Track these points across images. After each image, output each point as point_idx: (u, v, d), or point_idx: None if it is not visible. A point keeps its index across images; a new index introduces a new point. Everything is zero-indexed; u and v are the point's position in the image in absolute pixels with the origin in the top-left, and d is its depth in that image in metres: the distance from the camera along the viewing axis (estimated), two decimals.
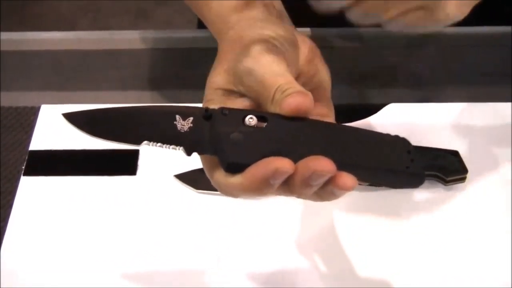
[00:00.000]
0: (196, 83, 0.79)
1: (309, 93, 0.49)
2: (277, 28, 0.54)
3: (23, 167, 0.73)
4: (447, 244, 0.66)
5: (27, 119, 0.80)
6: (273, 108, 0.49)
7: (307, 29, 0.86)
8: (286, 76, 0.50)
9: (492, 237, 0.67)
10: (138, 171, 0.73)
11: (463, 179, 0.69)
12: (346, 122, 0.75)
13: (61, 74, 0.91)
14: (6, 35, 0.88)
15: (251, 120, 0.48)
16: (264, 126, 0.48)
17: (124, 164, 0.73)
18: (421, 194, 0.69)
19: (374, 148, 0.49)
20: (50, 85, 0.90)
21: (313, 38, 0.86)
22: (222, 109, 0.49)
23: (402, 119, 0.76)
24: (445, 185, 0.70)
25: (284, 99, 0.48)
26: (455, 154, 0.70)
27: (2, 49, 0.88)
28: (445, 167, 0.69)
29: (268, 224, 0.68)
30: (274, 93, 0.49)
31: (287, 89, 0.48)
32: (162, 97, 0.91)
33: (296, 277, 0.65)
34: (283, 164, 0.46)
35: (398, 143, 0.50)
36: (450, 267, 0.65)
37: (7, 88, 0.87)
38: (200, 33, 0.87)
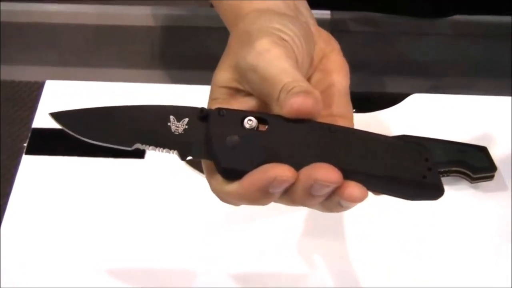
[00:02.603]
0: (205, 63, 0.76)
1: (316, 93, 0.44)
2: (287, 20, 0.49)
3: (25, 145, 0.70)
4: (473, 244, 0.64)
5: (29, 94, 0.77)
6: (278, 109, 0.45)
7: (327, 12, 0.83)
8: (293, 73, 0.45)
9: None
10: (147, 155, 0.70)
11: (491, 177, 0.67)
12: (365, 112, 0.72)
13: (66, 49, 0.89)
14: (7, 6, 0.85)
15: (250, 122, 0.45)
16: (264, 129, 0.45)
17: None
18: (446, 192, 0.65)
19: (387, 155, 0.45)
20: (53, 60, 0.88)
21: (331, 21, 0.84)
22: (219, 110, 0.45)
23: (427, 111, 0.73)
24: (471, 182, 0.67)
25: (286, 100, 0.44)
26: (483, 150, 0.67)
27: (3, 20, 0.85)
28: (472, 164, 0.66)
29: (274, 214, 0.66)
30: (280, 92, 0.44)
31: (292, 88, 0.44)
32: (169, 76, 0.88)
33: (302, 277, 0.62)
34: (283, 172, 0.42)
35: (414, 149, 0.46)
36: (475, 267, 0.62)
37: (9, 61, 0.84)
38: (212, 11, 0.83)
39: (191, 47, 0.88)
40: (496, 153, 0.67)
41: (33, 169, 0.68)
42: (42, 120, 0.72)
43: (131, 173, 0.68)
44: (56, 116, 0.48)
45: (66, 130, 0.47)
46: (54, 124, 0.70)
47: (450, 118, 0.72)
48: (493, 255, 0.63)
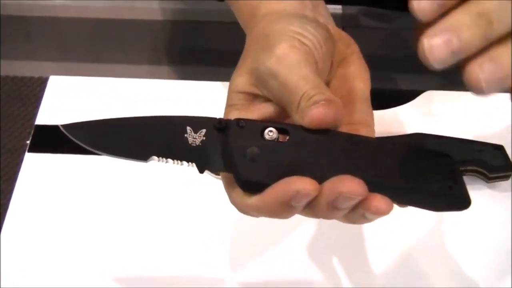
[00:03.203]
0: (212, 58, 0.74)
1: (338, 101, 0.43)
2: (307, 23, 0.47)
3: (28, 142, 0.69)
4: (489, 245, 0.62)
5: (32, 90, 0.75)
6: (298, 117, 0.43)
7: (338, 7, 0.82)
8: (313, 80, 0.44)
9: None
10: None
11: (507, 177, 0.64)
12: (378, 109, 0.70)
13: (70, 44, 0.87)
14: None
15: (270, 133, 0.43)
16: (285, 140, 0.43)
17: None
18: None
19: (411, 166, 0.44)
20: (56, 55, 0.86)
21: (343, 16, 0.83)
22: (238, 121, 0.44)
23: (441, 108, 0.71)
24: (487, 182, 0.65)
25: (307, 110, 0.42)
26: (499, 148, 0.65)
27: (5, 13, 0.83)
28: (488, 163, 0.64)
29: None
30: (300, 100, 0.43)
31: (313, 95, 0.43)
32: (176, 72, 0.87)
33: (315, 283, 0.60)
34: (305, 185, 0.41)
35: (439, 160, 0.44)
36: (491, 267, 0.61)
37: (11, 56, 0.83)
38: (220, 5, 0.82)
39: (197, 42, 0.86)
40: None
41: (36, 167, 0.66)
42: (46, 116, 0.70)
43: (137, 171, 0.66)
44: (67, 128, 0.47)
45: (79, 143, 0.46)
46: (57, 121, 0.69)
47: (465, 115, 0.70)
48: (510, 255, 0.61)
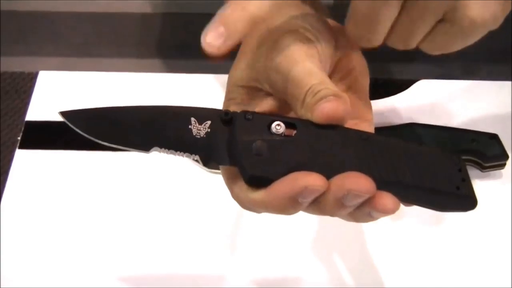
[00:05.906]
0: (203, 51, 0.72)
1: (345, 97, 0.42)
2: (310, 17, 0.46)
3: (18, 138, 0.68)
4: (485, 235, 0.61)
5: (23, 85, 0.74)
6: (303, 112, 0.42)
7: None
8: (319, 74, 0.43)
9: None
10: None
11: (502, 166, 0.64)
12: (371, 99, 0.69)
13: (63, 38, 0.86)
14: None
15: (278, 127, 0.42)
16: (293, 135, 0.42)
17: None
18: None
19: (420, 165, 0.43)
20: (50, 50, 0.86)
21: (334, 6, 0.82)
22: (245, 113, 0.43)
23: (435, 98, 0.70)
24: (482, 171, 0.64)
25: (316, 104, 0.42)
26: (494, 137, 0.64)
27: None
28: (483, 152, 0.63)
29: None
30: (305, 95, 0.42)
31: (319, 90, 0.42)
32: (169, 66, 0.86)
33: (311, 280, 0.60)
34: (313, 181, 0.40)
35: (447, 159, 0.44)
36: (489, 257, 0.60)
37: (4, 52, 0.82)
38: None
39: (189, 34, 0.85)
40: (508, 141, 0.64)
41: (27, 164, 0.66)
42: (36, 112, 0.69)
43: (131, 166, 0.66)
44: (66, 115, 0.45)
45: (78, 131, 0.44)
46: (48, 117, 0.68)
47: (459, 104, 0.69)
48: (507, 244, 0.61)
